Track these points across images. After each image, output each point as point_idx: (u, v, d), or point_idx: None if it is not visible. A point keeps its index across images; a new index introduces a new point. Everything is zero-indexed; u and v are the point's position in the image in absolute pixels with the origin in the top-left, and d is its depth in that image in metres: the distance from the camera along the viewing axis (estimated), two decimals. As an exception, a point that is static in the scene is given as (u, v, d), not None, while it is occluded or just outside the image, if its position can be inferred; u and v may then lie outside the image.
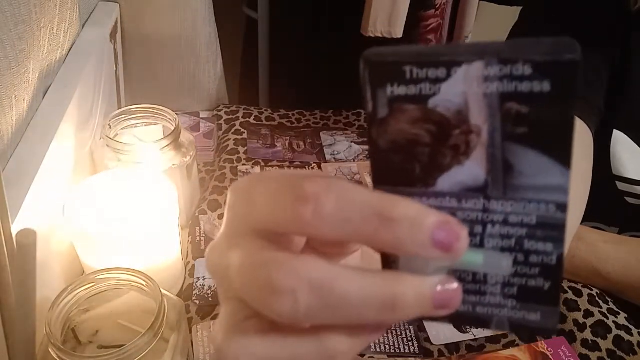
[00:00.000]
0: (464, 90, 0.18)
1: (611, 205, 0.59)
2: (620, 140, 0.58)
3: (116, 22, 0.73)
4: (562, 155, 0.18)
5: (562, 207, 0.18)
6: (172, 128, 0.58)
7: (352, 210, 0.18)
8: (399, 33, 1.01)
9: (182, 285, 0.56)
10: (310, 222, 0.18)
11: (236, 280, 0.20)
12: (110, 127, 0.57)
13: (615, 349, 0.51)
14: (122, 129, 0.59)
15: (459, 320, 0.20)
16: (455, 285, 0.19)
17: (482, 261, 0.19)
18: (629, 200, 0.59)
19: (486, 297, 0.20)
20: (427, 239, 0.17)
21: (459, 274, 0.20)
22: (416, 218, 0.18)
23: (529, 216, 0.19)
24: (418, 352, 0.51)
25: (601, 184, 0.55)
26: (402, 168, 0.19)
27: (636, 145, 0.57)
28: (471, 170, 0.19)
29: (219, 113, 0.83)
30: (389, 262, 0.20)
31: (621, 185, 0.59)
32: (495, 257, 0.19)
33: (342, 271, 0.18)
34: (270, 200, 0.19)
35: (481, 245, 0.19)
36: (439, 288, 0.19)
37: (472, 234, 0.19)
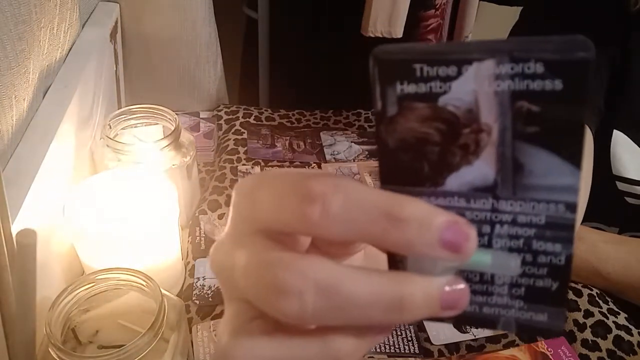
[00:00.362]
0: (475, 88, 0.17)
1: (611, 205, 0.59)
2: (620, 140, 0.58)
3: (116, 22, 0.73)
4: (573, 155, 0.17)
5: (572, 207, 0.18)
6: (172, 128, 0.58)
7: (359, 210, 0.18)
8: (399, 33, 1.01)
9: (182, 285, 0.56)
10: (317, 222, 0.18)
11: (241, 280, 0.20)
12: (110, 127, 0.57)
13: (615, 349, 0.51)
14: (122, 129, 0.59)
15: (466, 321, 0.20)
16: (462, 285, 0.19)
17: (490, 261, 0.19)
18: (629, 200, 0.59)
19: (493, 297, 0.20)
20: (436, 240, 0.17)
21: (466, 274, 0.20)
22: (425, 218, 0.18)
23: (538, 216, 0.18)
24: (418, 352, 0.51)
25: (601, 184, 0.55)
26: (411, 167, 0.19)
27: (636, 146, 0.57)
28: (480, 169, 0.18)
29: (219, 113, 0.83)
30: (396, 262, 0.20)
31: (621, 185, 0.59)
32: (504, 258, 0.19)
33: (349, 271, 0.18)
34: (276, 200, 0.19)
35: (489, 245, 0.19)
36: (446, 289, 0.19)
37: (480, 234, 0.19)
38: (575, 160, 0.17)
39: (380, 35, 1.01)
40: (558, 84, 0.17)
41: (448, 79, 0.18)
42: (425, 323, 0.53)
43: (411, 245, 0.18)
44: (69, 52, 0.59)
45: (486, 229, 0.19)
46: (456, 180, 0.19)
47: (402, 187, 0.19)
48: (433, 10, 1.05)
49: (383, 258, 0.20)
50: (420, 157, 0.19)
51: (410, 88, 0.18)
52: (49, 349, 0.35)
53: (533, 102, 0.17)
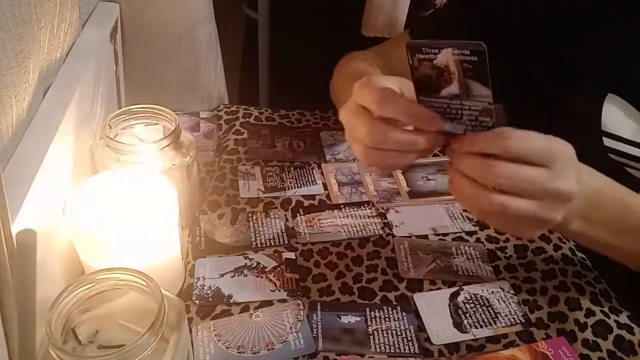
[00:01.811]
0: (447, 57, 0.42)
1: (595, 161, 0.56)
2: (615, 98, 0.58)
3: (116, 22, 0.73)
4: (486, 82, 0.42)
5: (490, 105, 0.43)
6: (172, 128, 0.58)
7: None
8: (398, 33, 1.01)
9: (182, 285, 0.56)
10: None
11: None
12: (110, 127, 0.57)
13: (615, 350, 0.51)
14: (122, 129, 0.59)
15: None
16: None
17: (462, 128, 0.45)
18: (612, 156, 0.59)
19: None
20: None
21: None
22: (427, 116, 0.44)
23: (478, 107, 0.43)
24: (418, 352, 0.51)
25: (587, 141, 0.54)
26: (425, 86, 0.45)
27: (628, 104, 0.58)
28: (454, 88, 0.44)
29: (219, 113, 0.83)
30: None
31: (607, 141, 0.60)
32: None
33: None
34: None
35: (460, 119, 0.45)
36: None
37: (454, 115, 0.45)
38: (487, 84, 0.42)
39: (380, 35, 1.01)
40: (475, 58, 0.41)
41: (437, 53, 0.42)
42: (425, 323, 0.53)
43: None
44: (69, 52, 0.59)
45: (458, 113, 0.45)
46: (444, 92, 0.44)
47: (423, 95, 0.45)
48: (433, 10, 1.05)
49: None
50: (429, 82, 0.44)
51: (422, 56, 0.43)
52: (49, 349, 0.35)
53: (468, 63, 0.41)
